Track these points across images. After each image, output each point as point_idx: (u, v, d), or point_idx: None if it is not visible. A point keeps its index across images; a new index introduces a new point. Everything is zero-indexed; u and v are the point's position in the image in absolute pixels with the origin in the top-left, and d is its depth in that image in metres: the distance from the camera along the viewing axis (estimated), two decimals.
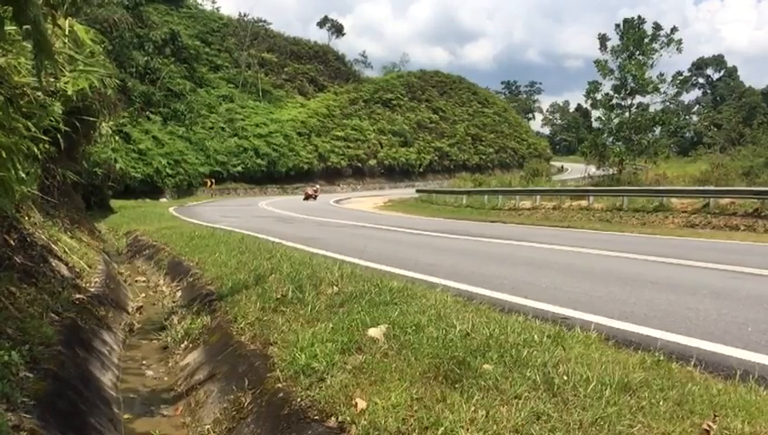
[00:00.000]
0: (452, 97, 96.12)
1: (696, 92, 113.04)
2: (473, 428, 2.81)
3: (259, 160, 64.39)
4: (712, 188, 23.55)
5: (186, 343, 6.24)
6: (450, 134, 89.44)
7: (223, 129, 64.35)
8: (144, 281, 10.97)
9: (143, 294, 9.67)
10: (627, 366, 3.52)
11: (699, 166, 41.38)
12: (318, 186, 53.23)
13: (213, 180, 58.75)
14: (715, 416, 2.79)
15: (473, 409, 2.97)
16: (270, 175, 65.48)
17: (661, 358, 3.72)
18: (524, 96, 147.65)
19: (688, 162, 54.13)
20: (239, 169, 62.56)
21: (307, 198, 45.48)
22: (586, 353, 3.75)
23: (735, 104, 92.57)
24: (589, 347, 3.95)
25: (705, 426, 2.68)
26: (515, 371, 3.41)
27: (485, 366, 3.50)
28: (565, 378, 3.26)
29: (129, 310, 8.23)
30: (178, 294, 8.78)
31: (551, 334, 4.13)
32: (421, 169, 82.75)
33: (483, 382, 3.27)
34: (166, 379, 5.55)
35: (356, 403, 3.27)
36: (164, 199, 48.38)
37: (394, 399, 3.20)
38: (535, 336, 4.05)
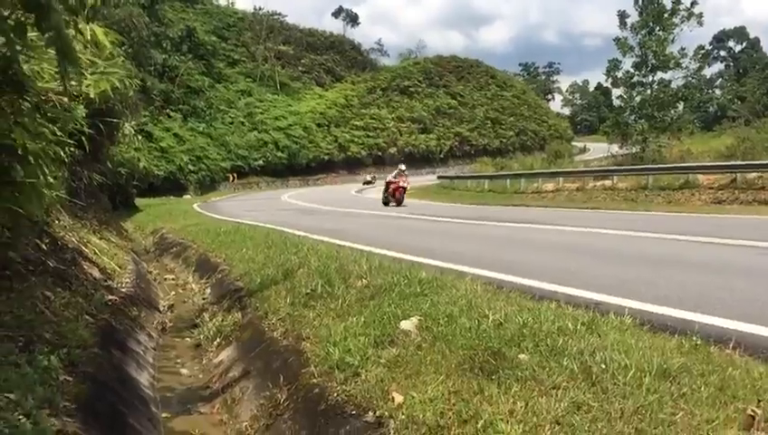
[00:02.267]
0: (470, 81, 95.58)
1: (719, 66, 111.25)
2: (512, 420, 2.79)
3: (279, 153, 64.78)
4: (738, 162, 23.19)
5: (218, 340, 6.29)
6: (469, 119, 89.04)
7: (242, 123, 64.77)
8: (173, 279, 11.08)
9: (173, 292, 9.77)
10: (664, 352, 3.47)
11: (724, 140, 40.60)
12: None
13: (235, 175, 59.15)
14: (759, 401, 2.74)
15: (511, 400, 2.95)
16: (291, 167, 65.82)
17: (699, 342, 3.67)
18: (543, 77, 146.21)
19: (713, 137, 53.23)
20: (260, 162, 62.98)
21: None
22: (622, 340, 3.71)
23: (759, 76, 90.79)
24: (624, 333, 3.90)
25: (749, 412, 2.64)
26: (552, 360, 3.38)
27: (521, 356, 3.48)
28: (603, 366, 3.23)
29: (161, 309, 8.33)
30: (208, 290, 8.86)
31: (585, 321, 4.08)
32: (442, 156, 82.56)
33: (519, 373, 3.25)
34: (201, 376, 5.60)
35: (393, 397, 3.27)
36: (187, 196, 48.80)
37: (431, 392, 3.20)
38: (569, 324, 4.01)
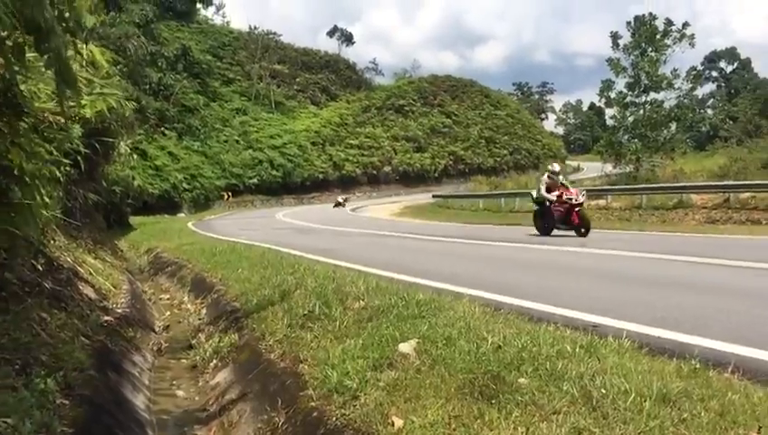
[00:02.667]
0: (464, 101, 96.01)
1: (711, 86, 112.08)
2: None
3: (274, 172, 64.78)
4: (731, 182, 23.38)
5: (215, 361, 6.25)
6: (464, 138, 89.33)
7: (237, 142, 64.80)
8: (168, 299, 11.03)
9: (168, 313, 9.72)
10: (664, 376, 3.47)
11: (717, 160, 40.87)
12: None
13: (230, 193, 59.12)
14: (760, 427, 2.74)
15: (512, 426, 2.95)
16: (286, 186, 65.82)
17: (698, 366, 3.67)
18: (537, 97, 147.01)
19: (705, 156, 53.51)
20: (255, 181, 62.94)
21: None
22: (621, 363, 3.71)
23: (750, 96, 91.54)
24: (623, 356, 3.90)
25: None
26: (551, 384, 3.38)
27: (521, 380, 3.48)
28: (603, 391, 3.22)
29: (156, 329, 8.28)
30: (203, 311, 8.81)
31: (583, 344, 4.08)
32: (436, 174, 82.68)
33: (519, 397, 3.24)
34: (197, 398, 5.56)
35: (392, 422, 3.26)
36: (182, 214, 48.72)
37: (431, 416, 3.18)
38: (568, 347, 4.01)
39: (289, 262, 9.84)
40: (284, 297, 6.86)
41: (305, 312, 5.89)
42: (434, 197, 45.64)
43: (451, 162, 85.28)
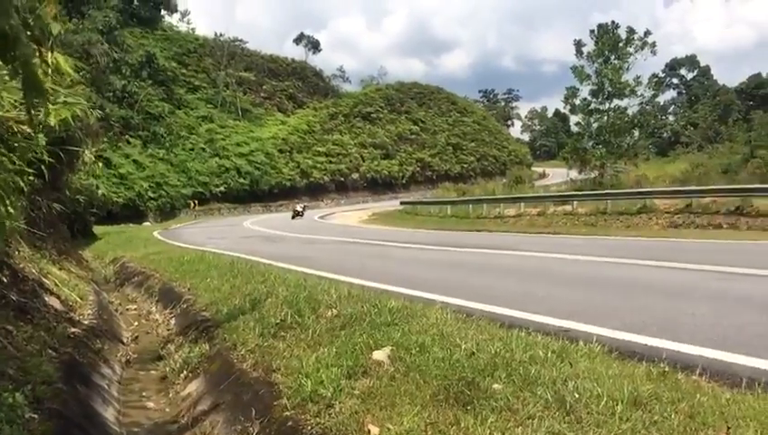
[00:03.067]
0: (431, 108, 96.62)
1: (672, 93, 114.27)
2: None
3: (241, 179, 64.37)
4: (693, 187, 23.84)
5: (185, 372, 6.17)
6: (431, 145, 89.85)
7: (203, 149, 64.25)
8: (135, 309, 10.86)
9: (136, 323, 9.58)
10: (634, 379, 3.54)
11: (678, 165, 41.88)
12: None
13: (196, 202, 58.54)
14: (728, 427, 2.81)
15: (488, 431, 2.97)
16: (253, 193, 65.42)
17: (667, 369, 3.75)
18: (502, 103, 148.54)
19: (667, 162, 54.73)
20: (222, 188, 62.44)
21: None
22: (592, 368, 3.77)
23: (710, 103, 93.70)
24: (594, 361, 3.97)
25: None
26: (525, 389, 3.42)
27: (495, 386, 3.51)
28: (576, 395, 3.27)
29: (124, 340, 8.14)
30: (172, 321, 8.70)
31: (555, 350, 4.14)
32: (404, 181, 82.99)
33: (494, 403, 3.27)
34: (168, 410, 5.49)
35: (368, 430, 3.26)
36: (147, 223, 48.07)
37: (407, 424, 3.19)
38: (540, 352, 4.07)
39: (259, 270, 9.78)
40: (255, 306, 6.82)
41: (277, 321, 5.86)
42: (402, 203, 45.73)
43: (419, 169, 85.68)
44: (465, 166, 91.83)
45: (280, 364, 4.71)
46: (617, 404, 3.14)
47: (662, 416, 3.03)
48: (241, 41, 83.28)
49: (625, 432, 2.84)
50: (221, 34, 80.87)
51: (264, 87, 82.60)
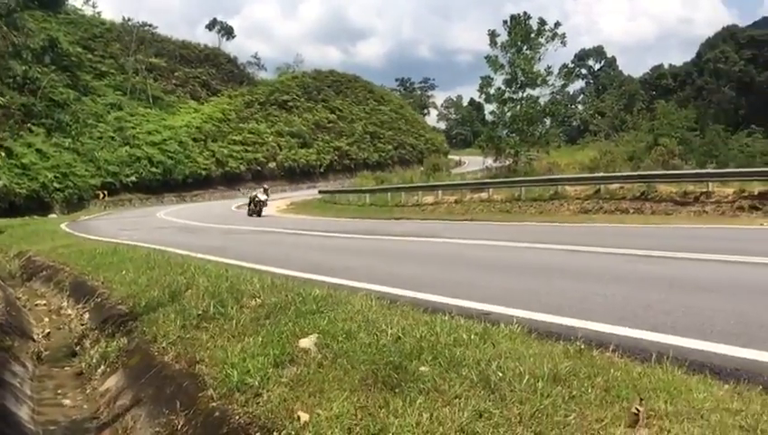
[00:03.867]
0: (348, 96, 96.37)
1: (581, 83, 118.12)
2: (419, 431, 2.88)
3: (154, 169, 62.32)
4: (602, 174, 24.90)
5: (103, 367, 5.99)
6: (349, 133, 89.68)
7: (113, 138, 61.77)
8: (44, 305, 10.41)
9: (46, 319, 9.19)
10: (553, 358, 3.69)
11: (587, 153, 43.43)
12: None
13: (105, 192, 56.34)
14: (641, 399, 2.98)
15: (416, 412, 3.04)
16: (166, 183, 63.48)
17: (583, 347, 3.92)
18: (419, 92, 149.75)
19: (577, 150, 56.60)
20: (133, 178, 60.26)
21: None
22: (514, 348, 3.91)
23: (616, 92, 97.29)
24: (515, 341, 4.11)
25: (633, 409, 2.86)
26: (451, 371, 3.51)
27: (422, 368, 3.59)
28: (500, 374, 3.39)
29: (35, 337, 7.81)
30: (86, 316, 8.40)
31: (478, 332, 4.27)
32: (322, 170, 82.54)
33: (422, 385, 3.35)
34: (86, 407, 5.32)
35: (298, 416, 3.27)
36: (54, 215, 45.90)
37: (336, 409, 3.23)
38: (464, 335, 4.18)
39: (177, 262, 9.56)
40: (176, 298, 6.69)
41: (199, 312, 5.77)
42: (320, 192, 45.57)
43: (337, 158, 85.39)
44: (383, 154, 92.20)
45: (204, 356, 4.66)
46: (538, 381, 3.27)
47: (580, 391, 3.18)
48: (151, 26, 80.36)
49: (546, 407, 2.96)
50: (129, 19, 77.84)
51: (176, 74, 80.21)
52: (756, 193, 18.04)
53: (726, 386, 3.31)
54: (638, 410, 2.84)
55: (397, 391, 3.35)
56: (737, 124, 66.39)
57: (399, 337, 4.22)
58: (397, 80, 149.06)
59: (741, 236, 12.94)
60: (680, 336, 4.42)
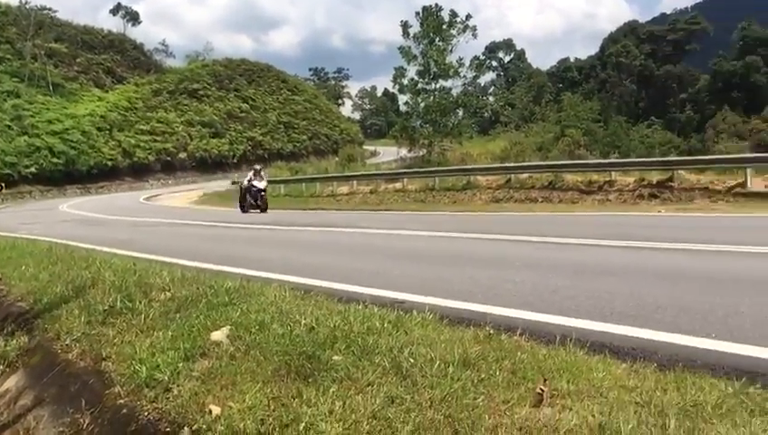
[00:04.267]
0: (261, 85, 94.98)
1: (491, 75, 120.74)
2: (332, 419, 2.89)
3: (55, 159, 59.56)
4: (512, 164, 25.57)
5: (1, 368, 5.70)
6: (262, 123, 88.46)
7: (10, 127, 58.63)
8: None
9: None
10: (464, 343, 3.78)
11: (498, 144, 44.49)
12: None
13: (2, 184, 53.42)
14: (545, 379, 3.10)
15: (330, 401, 3.05)
16: (69, 175, 60.80)
17: (492, 331, 4.04)
18: (333, 82, 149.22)
19: (489, 140, 57.85)
20: (32, 169, 57.41)
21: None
22: (426, 334, 3.98)
23: (525, 85, 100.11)
24: (427, 328, 4.19)
25: (537, 390, 2.97)
26: (364, 359, 3.54)
27: (335, 358, 3.60)
28: (412, 360, 3.45)
29: None
30: None
31: (391, 320, 4.32)
32: (235, 160, 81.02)
33: (335, 374, 3.37)
34: None
35: (210, 409, 3.22)
36: None
37: (249, 401, 3.20)
38: (377, 323, 4.22)
39: (82, 256, 9.18)
40: (80, 293, 6.42)
41: (105, 307, 5.57)
42: (233, 183, 44.76)
43: (250, 148, 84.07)
44: (298, 144, 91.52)
45: (111, 352, 4.51)
46: (449, 366, 3.35)
47: (488, 374, 3.28)
48: (50, 9, 76.80)
49: (456, 391, 3.04)
50: (26, 2, 73.95)
51: (79, 60, 76.86)
52: (655, 182, 18.98)
53: (624, 365, 3.48)
54: (542, 390, 2.96)
55: (310, 380, 3.35)
56: (638, 116, 69.94)
57: (313, 327, 4.22)
58: (310, 69, 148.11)
59: (640, 222, 13.61)
60: (583, 319, 4.62)
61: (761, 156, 20.40)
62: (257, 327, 4.32)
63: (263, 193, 23.32)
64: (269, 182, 26.07)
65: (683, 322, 4.47)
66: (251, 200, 23.48)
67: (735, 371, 3.37)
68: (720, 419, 2.69)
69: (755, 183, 16.91)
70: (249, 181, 23.67)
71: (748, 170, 17.11)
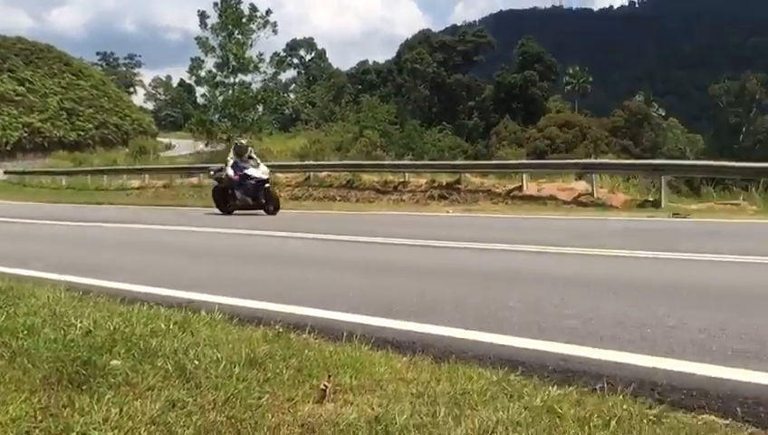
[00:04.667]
0: (40, 67, 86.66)
1: (293, 72, 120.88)
2: (107, 427, 2.74)
3: None
4: (311, 162, 25.91)
5: None
6: (41, 108, 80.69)
7: None
8: None
9: None
10: (252, 342, 3.77)
11: (299, 141, 44.78)
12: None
13: None
14: (329, 376, 3.19)
15: (105, 408, 2.89)
16: None
17: (281, 330, 4.06)
18: (124, 69, 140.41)
19: (289, 138, 57.95)
20: None
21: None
22: (213, 335, 3.91)
23: (326, 84, 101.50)
24: (215, 328, 4.11)
25: (321, 386, 3.05)
26: (146, 362, 3.40)
27: (113, 362, 3.42)
28: (196, 362, 3.37)
29: None
30: None
31: (177, 321, 4.19)
32: (9, 148, 73.19)
33: (112, 379, 3.20)
34: None
35: None
36: None
37: (13, 412, 2.93)
38: (162, 325, 4.07)
39: None
40: None
41: None
42: (6, 173, 40.60)
43: (27, 135, 76.33)
44: (83, 133, 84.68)
45: None
46: (234, 366, 3.32)
47: (275, 372, 3.30)
48: None
49: (241, 391, 3.02)
50: None
51: None
52: (444, 184, 20.26)
53: (404, 358, 3.68)
54: (325, 386, 3.04)
55: (84, 387, 3.15)
56: (431, 120, 73.98)
57: (90, 330, 3.97)
58: (98, 54, 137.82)
59: (429, 221, 14.46)
60: (370, 315, 4.80)
61: (534, 162, 22.73)
62: (25, 332, 3.97)
63: (266, 185, 16.22)
64: (48, 173, 23.97)
65: (459, 316, 4.80)
66: (250, 198, 15.89)
67: (500, 360, 3.70)
68: (484, 405, 2.94)
69: (530, 187, 18.69)
70: (234, 166, 16.01)
71: (524, 176, 18.87)
